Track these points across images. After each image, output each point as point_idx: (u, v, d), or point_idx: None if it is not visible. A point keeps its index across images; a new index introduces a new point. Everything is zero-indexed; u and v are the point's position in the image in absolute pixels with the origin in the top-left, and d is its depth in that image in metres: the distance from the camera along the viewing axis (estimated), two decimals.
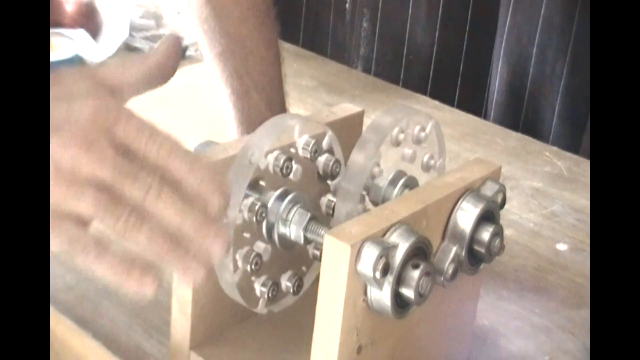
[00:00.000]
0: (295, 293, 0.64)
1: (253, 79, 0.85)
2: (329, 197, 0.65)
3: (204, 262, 0.52)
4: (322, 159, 0.64)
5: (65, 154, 0.50)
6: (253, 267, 0.61)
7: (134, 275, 0.51)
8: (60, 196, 0.50)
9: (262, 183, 0.61)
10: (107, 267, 0.51)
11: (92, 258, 0.51)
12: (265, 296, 0.62)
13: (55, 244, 0.51)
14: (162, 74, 0.58)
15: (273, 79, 0.87)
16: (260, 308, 0.63)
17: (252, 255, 0.61)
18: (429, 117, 0.65)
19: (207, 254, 0.52)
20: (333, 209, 0.63)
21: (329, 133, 0.64)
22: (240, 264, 0.61)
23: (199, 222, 0.51)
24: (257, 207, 0.60)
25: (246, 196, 0.59)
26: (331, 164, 0.64)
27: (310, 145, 0.62)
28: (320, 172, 0.64)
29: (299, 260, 0.65)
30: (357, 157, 0.61)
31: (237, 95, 0.85)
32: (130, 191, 0.51)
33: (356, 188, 0.60)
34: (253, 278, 0.62)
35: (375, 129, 0.61)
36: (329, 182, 0.66)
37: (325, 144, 0.64)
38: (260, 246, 0.62)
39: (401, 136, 0.62)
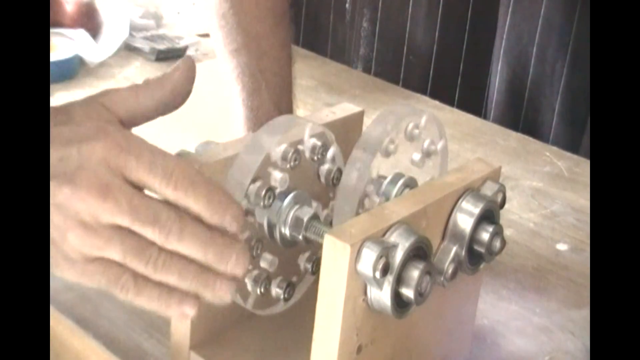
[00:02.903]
0: (285, 300, 0.64)
1: (265, 77, 0.85)
2: (327, 212, 0.65)
3: (230, 283, 0.55)
4: (324, 167, 0.64)
5: (83, 204, 0.51)
6: (254, 253, 0.60)
7: (172, 305, 0.54)
8: (87, 245, 0.52)
9: (269, 170, 0.61)
10: (146, 300, 0.54)
11: (132, 295, 0.53)
12: (257, 291, 0.62)
13: (94, 284, 0.53)
14: (176, 100, 0.59)
15: (284, 79, 0.87)
16: (250, 305, 0.63)
17: (253, 240, 0.60)
18: (421, 112, 0.64)
19: (232, 273, 0.55)
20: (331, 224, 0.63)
21: (335, 145, 0.64)
22: None
23: (221, 249, 0.54)
24: (263, 193, 0.59)
25: (253, 182, 0.59)
26: (333, 173, 0.64)
27: (317, 149, 0.62)
28: (322, 180, 0.64)
29: (290, 269, 0.65)
30: (350, 176, 0.60)
31: (247, 92, 0.86)
32: (152, 234, 0.52)
33: (350, 208, 0.60)
34: (250, 267, 0.62)
35: (365, 144, 0.61)
36: (330, 195, 0.66)
37: (330, 153, 0.64)
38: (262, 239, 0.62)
39: (391, 146, 0.62)
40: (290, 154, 0.60)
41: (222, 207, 0.53)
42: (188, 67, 0.59)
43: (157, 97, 0.58)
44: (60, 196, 0.51)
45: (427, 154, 0.65)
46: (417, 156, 0.65)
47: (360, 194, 0.60)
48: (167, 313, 0.54)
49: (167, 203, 0.53)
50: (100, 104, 0.57)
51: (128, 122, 0.58)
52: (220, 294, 0.54)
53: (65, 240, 0.52)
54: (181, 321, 0.64)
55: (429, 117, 0.64)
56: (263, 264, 0.62)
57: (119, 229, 0.52)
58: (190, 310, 0.54)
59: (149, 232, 0.52)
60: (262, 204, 0.59)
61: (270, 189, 0.59)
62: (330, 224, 0.63)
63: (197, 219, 0.53)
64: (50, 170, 0.52)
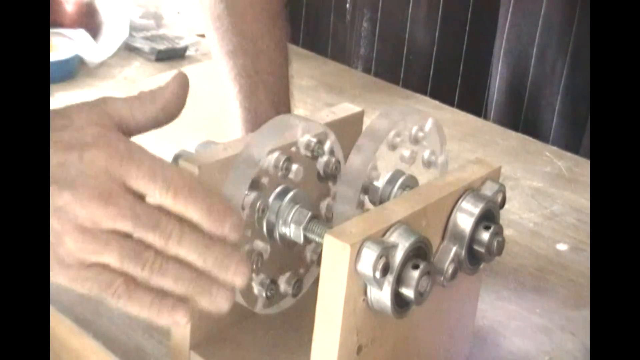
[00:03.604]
0: (294, 295, 0.64)
1: (262, 78, 0.85)
2: (329, 200, 0.65)
3: (229, 293, 0.55)
4: (322, 160, 0.64)
5: (83, 209, 0.51)
6: (254, 266, 0.61)
7: (164, 312, 0.54)
8: (84, 250, 0.52)
9: (263, 181, 0.61)
10: (138, 306, 0.53)
11: (124, 300, 0.53)
12: (263, 295, 0.62)
13: (86, 290, 0.53)
14: (170, 113, 0.59)
15: (281, 79, 0.87)
16: (259, 308, 0.63)
17: (253, 254, 0.61)
18: (426, 115, 0.65)
19: (231, 285, 0.55)
20: (332, 213, 0.63)
21: (331, 136, 0.64)
22: None
23: (221, 257, 0.54)
24: (258, 205, 0.60)
25: (247, 194, 0.59)
26: (331, 165, 0.64)
27: (312, 145, 0.63)
28: (321, 172, 0.64)
29: (297, 263, 0.65)
30: (354, 161, 0.61)
31: (244, 94, 0.85)
32: (153, 240, 0.53)
33: (354, 192, 0.60)
34: (252, 275, 0.62)
35: (371, 133, 0.61)
36: (329, 184, 0.66)
37: (327, 146, 0.64)
38: (259, 245, 0.62)
39: (397, 139, 0.62)
40: (281, 163, 0.61)
41: (221, 215, 0.54)
42: (180, 84, 0.59)
43: (148, 113, 0.58)
44: (60, 201, 0.51)
45: (427, 165, 0.66)
46: (415, 170, 0.65)
47: (364, 179, 0.60)
48: (159, 321, 0.54)
49: (167, 211, 0.53)
50: (101, 110, 0.57)
51: (123, 132, 0.58)
52: (218, 302, 0.54)
53: (62, 244, 0.52)
54: (175, 328, 0.64)
55: (435, 123, 0.65)
56: (266, 272, 0.62)
57: (117, 234, 0.52)
58: (182, 319, 0.54)
59: (150, 237, 0.52)
60: (256, 216, 0.60)
61: (265, 204, 0.60)
62: (331, 216, 0.63)
63: (197, 228, 0.53)
64: (51, 175, 0.52)
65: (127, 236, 0.52)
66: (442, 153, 0.67)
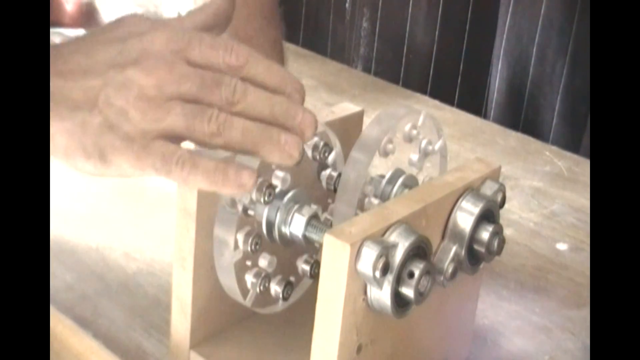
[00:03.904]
0: (284, 299, 0.63)
1: None
2: (327, 215, 0.64)
3: (299, 140, 0.54)
4: (325, 173, 0.64)
5: (148, 80, 0.52)
6: (253, 247, 0.60)
7: (230, 175, 0.53)
8: (149, 118, 0.52)
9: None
10: (204, 175, 0.53)
11: (188, 169, 0.53)
12: (257, 289, 0.62)
13: (149, 165, 0.53)
14: (219, 24, 0.60)
15: None
16: (249, 301, 0.63)
17: (253, 235, 0.60)
18: (417, 113, 0.64)
19: (300, 131, 0.54)
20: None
21: (337, 148, 0.64)
22: (241, 243, 0.60)
23: (287, 106, 0.54)
24: (265, 187, 0.59)
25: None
26: (334, 180, 0.64)
27: (320, 147, 0.62)
28: (324, 185, 0.64)
29: (290, 269, 0.65)
30: (348, 177, 0.60)
31: None
32: (219, 95, 0.53)
33: (349, 208, 0.60)
34: (248, 263, 0.61)
35: (363, 145, 0.61)
36: (329, 201, 0.66)
37: (331, 158, 0.63)
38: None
39: (390, 146, 0.62)
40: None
41: (283, 75, 0.55)
42: None
43: (200, 21, 0.59)
44: (122, 77, 0.52)
45: (424, 154, 0.66)
46: (415, 157, 0.65)
47: (359, 195, 0.60)
48: (225, 188, 0.53)
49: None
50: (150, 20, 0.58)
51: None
52: (288, 150, 0.54)
53: (126, 118, 0.52)
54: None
55: (426, 116, 0.64)
56: (262, 264, 0.62)
57: (181, 100, 0.53)
58: (249, 180, 0.53)
59: (216, 94, 0.53)
60: (262, 199, 0.59)
61: (271, 186, 0.59)
62: (330, 226, 0.63)
63: (262, 85, 0.54)
64: (110, 62, 0.53)
65: (193, 101, 0.53)
66: (440, 139, 0.66)
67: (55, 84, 0.53)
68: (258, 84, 0.54)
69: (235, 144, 0.53)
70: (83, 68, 0.54)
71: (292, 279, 0.64)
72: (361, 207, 0.62)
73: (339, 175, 0.64)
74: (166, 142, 0.53)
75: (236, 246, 0.60)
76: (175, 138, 0.54)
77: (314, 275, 0.63)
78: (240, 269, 0.61)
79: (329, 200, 0.67)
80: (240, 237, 0.60)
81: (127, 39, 0.54)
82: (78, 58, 0.55)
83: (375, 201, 0.63)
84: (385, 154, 0.62)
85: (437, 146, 0.66)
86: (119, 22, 0.57)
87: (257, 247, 0.61)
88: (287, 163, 0.55)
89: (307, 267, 0.64)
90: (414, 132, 0.64)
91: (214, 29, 0.60)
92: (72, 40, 0.57)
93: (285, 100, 0.55)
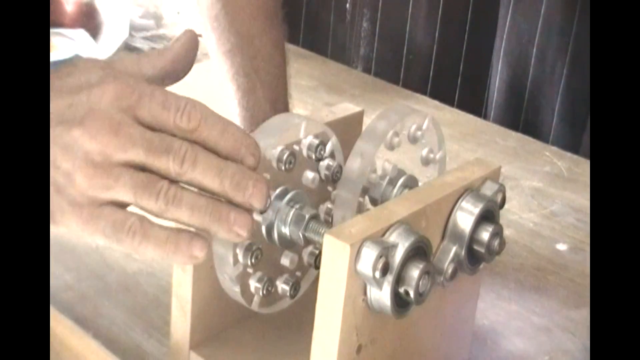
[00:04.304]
0: (292, 296, 0.64)
1: (259, 77, 0.85)
2: (328, 204, 0.65)
3: (248, 218, 0.52)
4: (324, 163, 0.64)
5: (94, 143, 0.50)
6: (253, 260, 0.60)
7: (182, 247, 0.51)
8: (96, 186, 0.50)
9: (266, 175, 0.61)
10: (155, 245, 0.51)
11: (139, 239, 0.51)
12: (260, 293, 0.62)
13: (99, 232, 0.51)
14: (178, 70, 0.58)
15: (278, 78, 0.87)
16: (255, 306, 0.63)
17: (253, 248, 0.60)
18: (424, 114, 0.64)
19: (250, 206, 0.52)
20: (332, 217, 0.63)
21: (333, 138, 0.64)
22: (240, 257, 0.60)
23: (238, 178, 0.51)
24: None
25: None
26: (332, 169, 0.64)
27: (315, 146, 0.62)
28: (322, 176, 0.64)
29: (294, 264, 0.65)
30: (353, 165, 0.60)
31: (242, 92, 0.86)
32: (167, 164, 0.51)
33: (353, 196, 0.60)
34: (250, 270, 0.62)
35: (369, 135, 0.61)
36: (329, 188, 0.66)
37: (328, 148, 0.64)
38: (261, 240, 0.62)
39: (396, 140, 0.62)
40: (285, 156, 0.60)
41: (237, 137, 0.52)
42: (189, 38, 0.58)
43: (158, 67, 0.57)
44: (69, 138, 0.50)
45: (425, 162, 0.66)
46: (415, 162, 0.65)
47: (364, 182, 0.60)
48: (177, 258, 0.52)
49: (180, 138, 0.52)
50: (107, 64, 0.56)
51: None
52: (236, 228, 0.52)
53: (73, 183, 0.50)
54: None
55: (432, 121, 0.65)
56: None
57: (129, 167, 0.51)
58: (199, 252, 0.52)
59: (164, 162, 0.51)
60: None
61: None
62: (330, 220, 0.63)
63: (212, 153, 0.52)
64: (58, 118, 0.51)
65: (140, 170, 0.51)
66: (440, 149, 0.67)
67: None
68: (210, 148, 0.52)
69: (184, 221, 0.52)
70: (39, 123, 0.52)
71: (298, 274, 0.64)
72: (365, 191, 0.62)
73: (338, 165, 0.64)
74: (115, 209, 0.51)
75: (236, 261, 0.60)
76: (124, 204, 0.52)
77: (319, 266, 0.64)
78: (243, 278, 0.61)
79: (329, 188, 0.66)
80: (240, 251, 0.60)
81: (76, 92, 0.52)
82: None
83: (381, 187, 0.62)
84: (391, 147, 0.62)
85: (438, 156, 0.66)
86: (73, 66, 0.55)
87: (257, 260, 0.61)
88: (235, 240, 0.53)
89: (312, 260, 0.64)
90: (419, 133, 0.64)
91: (173, 75, 0.57)
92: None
93: (237, 171, 0.52)
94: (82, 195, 0.51)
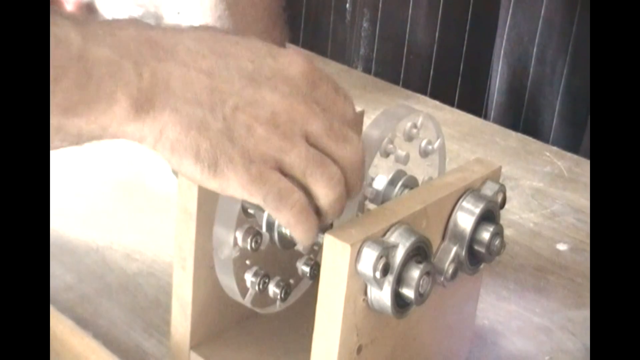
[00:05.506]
0: (282, 300, 0.63)
1: None
2: None
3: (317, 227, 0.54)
4: None
5: (283, 103, 0.51)
6: (253, 244, 0.60)
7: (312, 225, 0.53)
8: (275, 145, 0.51)
9: None
10: (305, 230, 0.53)
11: (297, 217, 0.52)
12: (256, 287, 0.62)
13: (260, 194, 0.51)
14: None
15: None
16: (248, 300, 0.63)
17: (253, 233, 0.60)
18: (417, 112, 0.64)
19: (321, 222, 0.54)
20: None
21: None
22: (240, 241, 0.60)
23: (342, 201, 0.54)
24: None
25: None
26: None
27: None
28: None
29: (289, 271, 0.65)
30: None
31: None
32: (336, 151, 0.53)
33: (350, 211, 0.60)
34: (248, 262, 0.61)
35: (364, 147, 0.61)
36: None
37: None
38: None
39: (390, 146, 0.61)
40: None
41: (359, 162, 0.55)
42: None
43: None
44: (254, 92, 0.51)
45: (424, 154, 0.65)
46: (415, 156, 0.65)
47: (360, 197, 0.60)
48: (307, 245, 0.55)
49: None
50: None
51: None
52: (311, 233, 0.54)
53: (252, 134, 0.50)
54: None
55: (426, 116, 0.64)
56: (261, 262, 0.62)
57: (306, 140, 0.52)
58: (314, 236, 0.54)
59: (334, 146, 0.53)
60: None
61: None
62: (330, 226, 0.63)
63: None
64: (241, 72, 0.51)
65: (315, 146, 0.52)
66: (439, 138, 0.66)
67: (178, 71, 0.51)
68: (335, 158, 0.53)
69: (286, 223, 0.53)
70: (210, 68, 0.51)
71: (291, 281, 0.64)
72: (362, 209, 0.62)
73: None
74: (282, 177, 0.51)
75: (235, 243, 0.60)
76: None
77: (314, 276, 0.63)
78: (239, 268, 0.61)
79: None
80: (240, 234, 0.60)
81: (262, 56, 0.52)
82: (211, 58, 0.52)
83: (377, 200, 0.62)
84: (386, 154, 0.62)
85: (436, 145, 0.66)
86: (248, 42, 0.55)
87: (257, 245, 0.61)
88: (305, 243, 0.55)
89: (307, 269, 0.64)
90: (414, 130, 0.64)
91: None
92: (202, 36, 0.54)
93: (342, 197, 0.54)
94: (256, 150, 0.51)
